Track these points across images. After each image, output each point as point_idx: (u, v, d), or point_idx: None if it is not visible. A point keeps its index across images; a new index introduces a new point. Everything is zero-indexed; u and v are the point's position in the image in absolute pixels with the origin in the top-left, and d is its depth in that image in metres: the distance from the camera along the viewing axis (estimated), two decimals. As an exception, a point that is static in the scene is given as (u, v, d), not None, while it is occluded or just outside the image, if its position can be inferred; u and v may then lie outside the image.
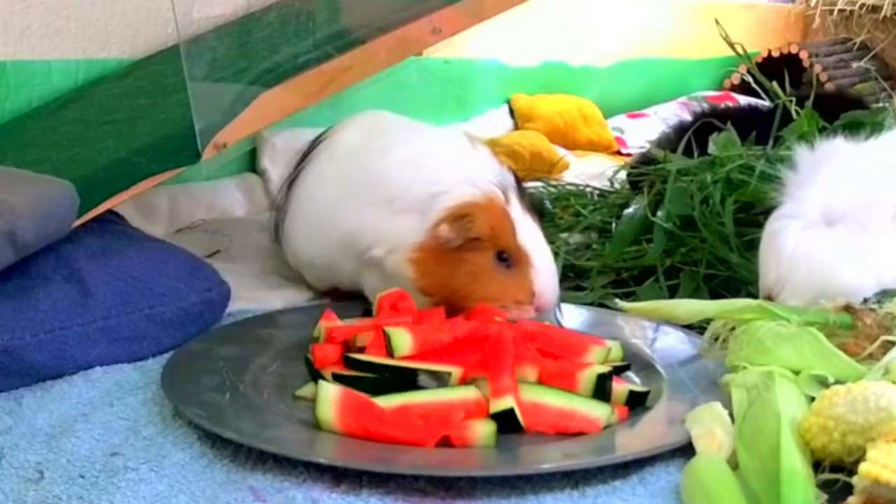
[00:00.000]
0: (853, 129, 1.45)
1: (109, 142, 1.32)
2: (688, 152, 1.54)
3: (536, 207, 1.23)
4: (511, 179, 1.21)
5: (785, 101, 1.57)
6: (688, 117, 1.85)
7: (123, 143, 1.30)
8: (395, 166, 1.22)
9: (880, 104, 1.52)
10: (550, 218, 1.69)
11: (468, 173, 1.18)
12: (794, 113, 1.54)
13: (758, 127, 1.55)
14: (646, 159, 1.68)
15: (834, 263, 1.04)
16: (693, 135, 1.58)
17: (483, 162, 1.22)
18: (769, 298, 1.08)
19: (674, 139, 1.69)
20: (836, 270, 1.04)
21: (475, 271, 1.15)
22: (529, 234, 1.17)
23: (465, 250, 1.15)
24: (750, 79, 1.66)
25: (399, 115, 1.40)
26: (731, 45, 1.62)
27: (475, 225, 1.14)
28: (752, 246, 1.30)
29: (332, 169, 1.30)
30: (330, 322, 1.10)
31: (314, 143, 1.38)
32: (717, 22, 1.59)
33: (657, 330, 1.18)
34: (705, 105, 1.89)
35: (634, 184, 1.65)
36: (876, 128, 1.42)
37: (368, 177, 1.23)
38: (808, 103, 1.53)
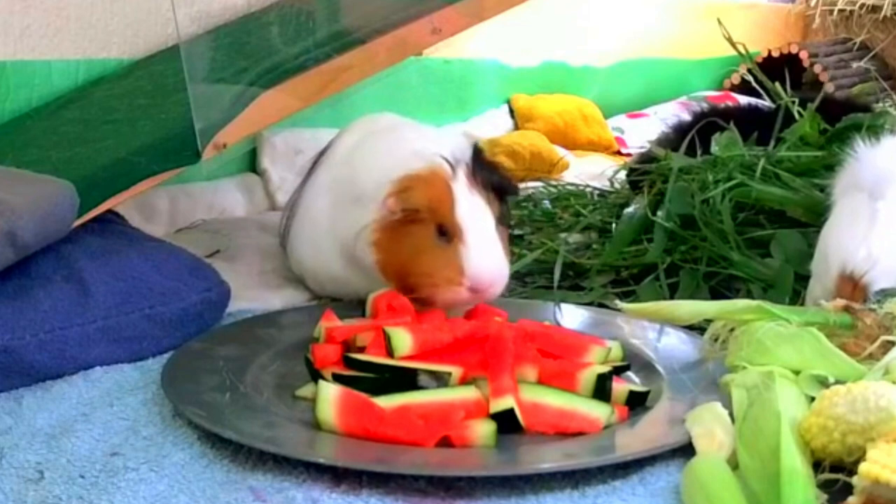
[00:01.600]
0: (854, 131, 1.45)
1: (109, 142, 1.32)
2: (689, 152, 1.54)
3: (501, 187, 1.18)
4: (466, 155, 1.16)
5: (787, 102, 1.57)
6: (687, 117, 1.85)
7: (123, 143, 1.30)
8: (363, 162, 1.22)
9: (880, 104, 1.51)
10: (550, 218, 1.69)
11: (419, 147, 1.16)
12: (796, 115, 1.54)
13: (758, 127, 1.55)
14: (645, 159, 1.68)
15: None
16: (694, 134, 1.57)
17: (442, 140, 1.19)
18: (849, 279, 1.04)
19: (673, 139, 1.69)
20: None
21: (416, 245, 1.13)
22: (469, 210, 1.12)
23: (407, 223, 1.13)
24: (751, 78, 1.65)
25: (396, 116, 1.39)
26: (734, 45, 1.62)
27: (412, 196, 1.12)
28: (753, 244, 1.31)
29: (324, 176, 1.30)
30: (330, 322, 1.10)
31: (321, 154, 1.38)
32: (719, 21, 1.59)
33: (657, 330, 1.17)
34: (705, 105, 1.89)
35: (634, 184, 1.65)
36: (877, 130, 1.43)
37: (348, 179, 1.23)
38: (812, 107, 1.53)
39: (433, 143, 1.17)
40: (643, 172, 1.59)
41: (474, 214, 1.12)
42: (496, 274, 1.12)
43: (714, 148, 1.50)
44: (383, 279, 1.16)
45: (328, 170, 1.31)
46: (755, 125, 1.56)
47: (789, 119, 1.55)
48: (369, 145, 1.26)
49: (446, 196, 1.12)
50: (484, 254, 1.11)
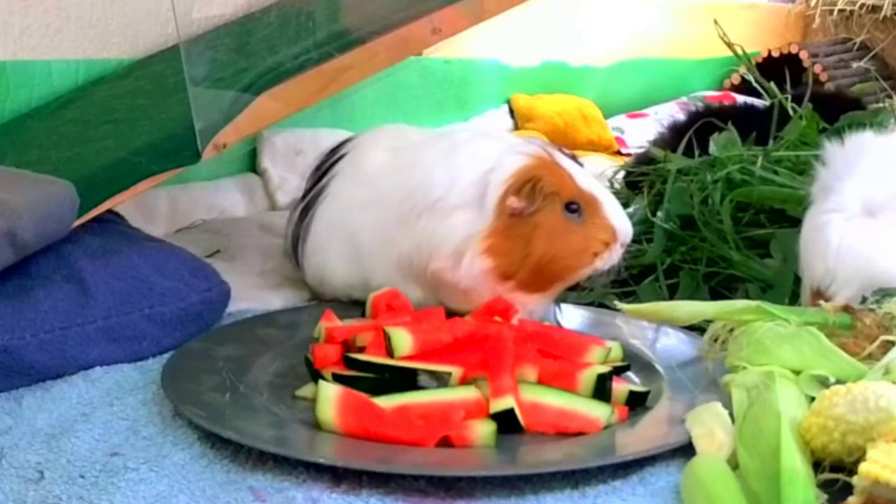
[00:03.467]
0: (853, 129, 1.45)
1: (109, 142, 1.32)
2: (686, 152, 1.54)
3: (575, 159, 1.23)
4: (539, 141, 1.22)
5: (780, 99, 1.57)
6: (683, 117, 1.85)
7: (123, 143, 1.30)
8: (431, 168, 1.18)
9: (880, 104, 1.51)
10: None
11: (503, 147, 1.17)
12: (790, 111, 1.54)
13: (755, 126, 1.55)
14: (643, 160, 1.68)
15: (880, 253, 1.04)
16: (691, 135, 1.57)
17: (506, 136, 1.24)
18: (818, 293, 1.06)
19: (669, 139, 1.69)
20: (883, 260, 1.04)
21: (551, 231, 1.13)
22: (587, 179, 1.17)
23: (534, 215, 1.13)
24: (751, 78, 1.65)
25: (415, 127, 1.38)
26: (730, 46, 1.62)
27: (544, 184, 1.13)
28: (752, 244, 1.31)
29: (362, 192, 1.25)
30: (330, 322, 1.10)
31: (330, 161, 1.33)
32: (715, 22, 1.59)
33: (657, 330, 1.18)
34: (700, 104, 1.89)
35: (633, 184, 1.65)
36: (876, 127, 1.42)
37: (409, 191, 1.19)
38: (807, 103, 1.53)
39: (496, 141, 1.20)
40: (641, 173, 1.59)
41: (591, 181, 1.18)
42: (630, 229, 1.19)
43: (712, 148, 1.50)
44: (498, 282, 1.14)
45: (363, 186, 1.25)
46: (752, 124, 1.56)
47: (785, 117, 1.55)
48: (429, 155, 1.21)
49: (564, 175, 1.15)
50: (620, 209, 1.18)
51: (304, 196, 1.34)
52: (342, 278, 1.27)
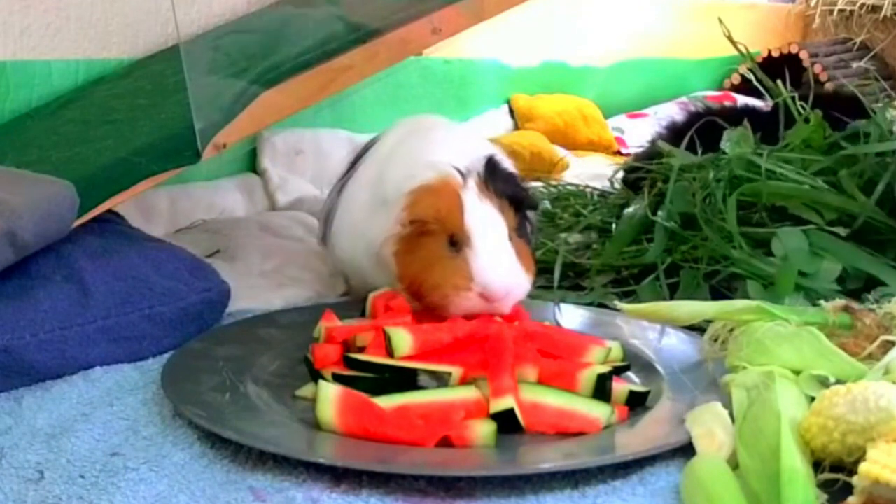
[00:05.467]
0: (859, 136, 1.45)
1: (109, 142, 1.32)
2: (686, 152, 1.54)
3: (517, 198, 1.16)
4: (480, 164, 1.14)
5: (786, 98, 1.56)
6: (681, 118, 1.84)
7: (123, 143, 1.30)
8: (389, 168, 1.21)
9: (880, 104, 1.51)
10: (550, 218, 1.69)
11: (434, 158, 1.15)
12: (796, 112, 1.54)
13: (755, 128, 1.55)
14: (643, 158, 1.68)
15: None
16: (689, 134, 1.57)
17: (466, 147, 1.19)
18: None
19: (668, 139, 1.69)
20: None
21: (428, 256, 1.12)
22: (478, 218, 1.10)
23: (422, 235, 1.12)
24: (752, 77, 1.65)
25: (439, 118, 1.37)
26: (734, 44, 1.62)
27: (420, 207, 1.12)
28: (754, 244, 1.31)
29: (366, 174, 1.28)
30: (330, 322, 1.10)
31: (366, 148, 1.36)
32: (720, 21, 1.58)
33: (657, 330, 1.18)
34: (700, 104, 1.89)
35: (632, 184, 1.65)
36: (883, 136, 1.43)
37: (379, 180, 1.22)
38: (808, 104, 1.53)
39: (453, 152, 1.16)
40: (639, 170, 1.59)
41: (484, 222, 1.11)
42: (507, 281, 1.09)
43: (724, 144, 1.50)
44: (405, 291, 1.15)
45: (368, 168, 1.29)
46: (752, 126, 1.56)
47: (788, 118, 1.55)
48: (400, 149, 1.24)
49: (455, 205, 1.11)
50: (493, 260, 1.09)
51: (337, 183, 1.36)
52: (351, 260, 1.29)
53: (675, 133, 1.69)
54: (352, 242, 1.26)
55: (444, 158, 1.14)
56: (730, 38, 1.60)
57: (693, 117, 1.74)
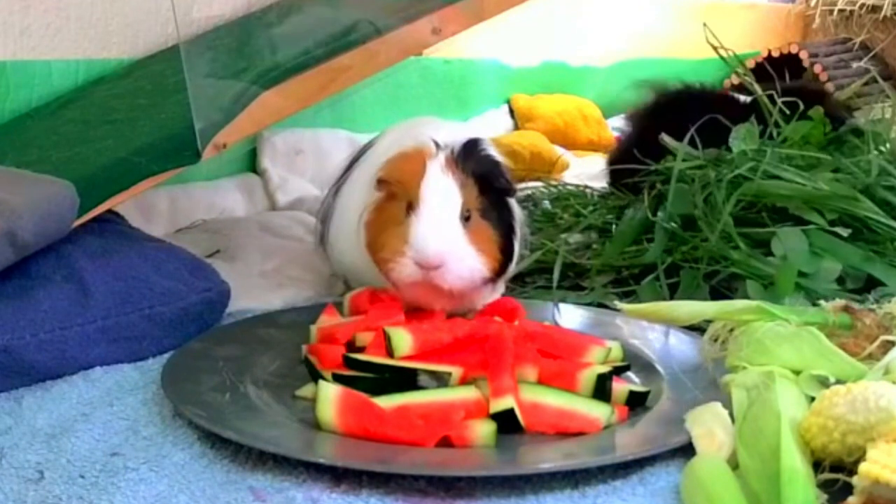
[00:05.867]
0: (854, 136, 1.45)
1: (109, 142, 1.32)
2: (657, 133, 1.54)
3: (487, 179, 1.12)
4: (458, 143, 1.12)
5: (762, 97, 1.57)
6: (649, 101, 1.82)
7: (123, 143, 1.30)
8: (381, 158, 1.21)
9: (879, 104, 1.51)
10: (550, 218, 1.69)
11: (417, 133, 1.16)
12: (767, 109, 1.54)
13: (734, 117, 1.55)
14: (623, 153, 1.68)
15: None
16: (661, 120, 1.57)
17: (455, 132, 1.18)
18: None
19: (635, 122, 1.70)
20: None
21: (385, 220, 1.12)
22: (433, 187, 1.09)
23: (387, 200, 1.13)
24: (752, 78, 1.65)
25: (442, 121, 1.36)
26: (716, 50, 1.63)
27: (386, 170, 1.13)
28: (754, 244, 1.31)
29: (362, 176, 1.28)
30: (328, 318, 1.11)
31: (364, 149, 1.37)
32: (705, 25, 1.59)
33: (657, 330, 1.18)
34: (675, 89, 1.84)
35: (617, 182, 1.66)
36: (877, 137, 1.43)
37: (375, 180, 1.21)
38: (763, 95, 1.54)
39: (440, 133, 1.16)
40: (629, 172, 1.59)
41: (437, 191, 1.09)
42: (443, 250, 1.07)
43: (732, 141, 1.49)
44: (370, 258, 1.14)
45: (365, 169, 1.28)
46: (725, 113, 1.55)
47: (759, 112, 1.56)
48: (394, 151, 1.22)
49: (418, 172, 1.10)
50: (431, 227, 1.07)
51: (333, 185, 1.36)
52: (347, 259, 1.28)
53: (643, 119, 1.69)
54: (349, 244, 1.25)
55: (426, 134, 1.15)
56: (713, 46, 1.60)
57: (666, 101, 1.74)
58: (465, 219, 1.10)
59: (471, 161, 1.12)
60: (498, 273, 1.13)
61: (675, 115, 1.60)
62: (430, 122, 1.34)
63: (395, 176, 1.12)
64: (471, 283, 1.09)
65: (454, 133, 1.20)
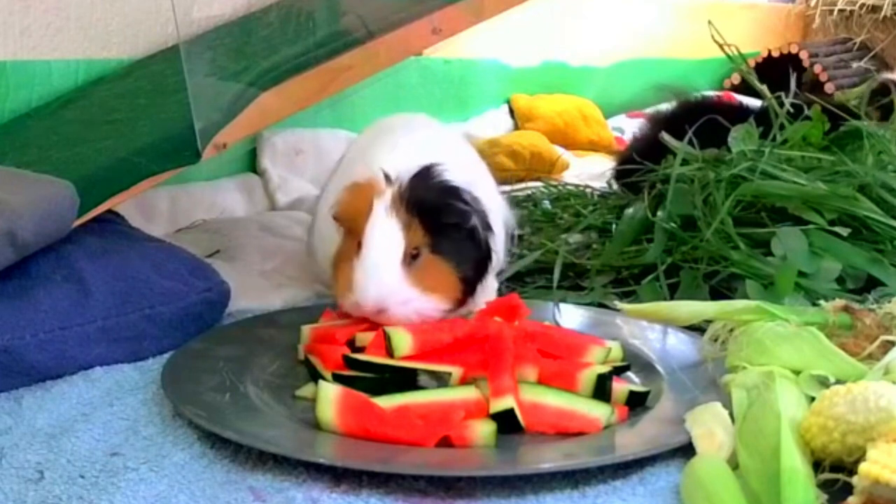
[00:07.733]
0: (852, 138, 1.45)
1: (109, 142, 1.32)
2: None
3: (434, 213, 1.09)
4: (408, 175, 1.09)
5: (771, 101, 1.57)
6: (667, 109, 1.83)
7: (123, 143, 1.30)
8: (352, 171, 1.19)
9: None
10: (550, 218, 1.69)
11: (371, 158, 1.14)
12: (775, 113, 1.54)
13: (736, 123, 1.55)
14: (631, 156, 1.68)
15: None
16: (674, 127, 1.57)
17: (421, 150, 1.16)
18: None
19: (652, 129, 1.70)
20: None
21: (342, 252, 1.12)
22: (375, 230, 1.07)
23: (346, 234, 1.13)
24: (749, 79, 1.65)
25: (420, 117, 1.36)
26: (722, 48, 1.62)
27: (340, 207, 1.12)
28: (754, 244, 1.30)
29: (335, 180, 1.28)
30: (324, 321, 1.11)
31: (348, 150, 1.37)
32: (709, 23, 1.59)
33: (657, 330, 1.17)
34: (697, 97, 1.87)
35: (624, 181, 1.65)
36: (876, 140, 1.43)
37: (336, 188, 1.21)
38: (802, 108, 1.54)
39: (402, 155, 1.14)
40: (633, 171, 1.58)
41: (381, 234, 1.07)
42: (382, 296, 1.05)
43: (731, 142, 1.49)
44: None
45: (340, 173, 1.28)
46: (736, 122, 1.55)
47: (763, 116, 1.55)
48: (364, 153, 1.23)
49: (365, 212, 1.09)
50: (371, 274, 1.06)
51: (322, 188, 1.37)
52: (325, 264, 1.26)
53: (660, 126, 1.69)
54: (326, 251, 1.23)
55: (389, 161, 1.12)
56: (718, 43, 1.60)
57: (681, 111, 1.74)
58: (414, 256, 1.08)
59: (419, 195, 1.09)
60: (461, 302, 1.11)
61: (696, 123, 1.59)
62: (403, 121, 1.34)
63: (345, 214, 1.11)
64: (424, 319, 1.07)
65: (415, 151, 1.17)
